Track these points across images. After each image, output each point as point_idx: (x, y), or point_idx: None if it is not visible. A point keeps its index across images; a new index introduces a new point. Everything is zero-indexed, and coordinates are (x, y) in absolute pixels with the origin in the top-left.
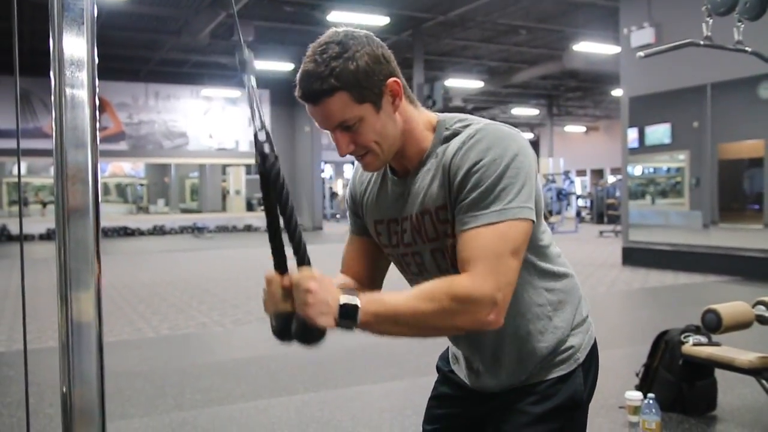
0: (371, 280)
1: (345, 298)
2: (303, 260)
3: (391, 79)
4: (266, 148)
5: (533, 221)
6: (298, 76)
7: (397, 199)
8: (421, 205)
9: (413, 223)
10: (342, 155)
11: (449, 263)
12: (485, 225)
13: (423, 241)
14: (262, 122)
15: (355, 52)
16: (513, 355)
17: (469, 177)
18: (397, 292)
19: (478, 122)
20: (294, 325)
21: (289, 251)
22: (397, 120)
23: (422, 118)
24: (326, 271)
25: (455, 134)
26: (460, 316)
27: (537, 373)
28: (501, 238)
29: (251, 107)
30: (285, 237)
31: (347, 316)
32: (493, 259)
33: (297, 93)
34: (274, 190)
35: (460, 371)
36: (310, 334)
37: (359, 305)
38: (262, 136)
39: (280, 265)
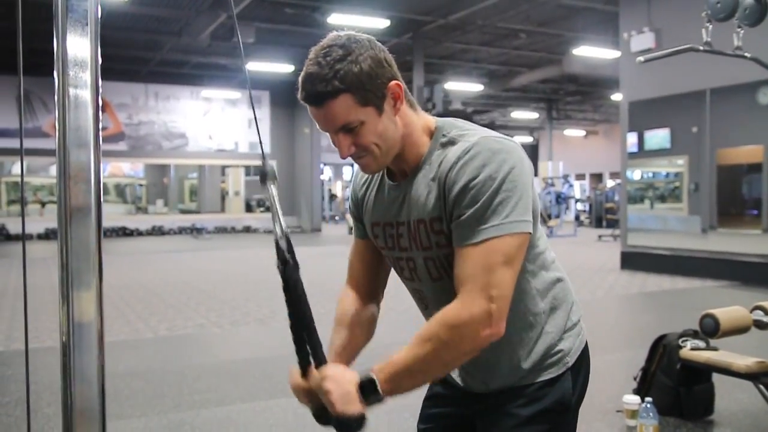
0: (373, 290)
1: (360, 378)
2: (320, 361)
3: (393, 82)
4: (287, 255)
5: (530, 232)
6: (300, 78)
7: (393, 202)
8: (417, 213)
9: (410, 230)
10: (343, 158)
11: (440, 272)
12: (479, 242)
13: (417, 248)
14: (283, 231)
15: (359, 55)
16: (506, 362)
17: (465, 193)
18: (403, 348)
19: (473, 133)
20: (332, 420)
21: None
22: (398, 123)
23: (421, 122)
24: (327, 272)
25: (452, 142)
26: (461, 343)
27: (526, 375)
28: (493, 252)
29: (273, 215)
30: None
31: (369, 393)
32: (481, 276)
33: (300, 95)
34: (293, 296)
35: (453, 372)
36: (348, 425)
37: (375, 377)
38: (283, 244)
39: (302, 364)
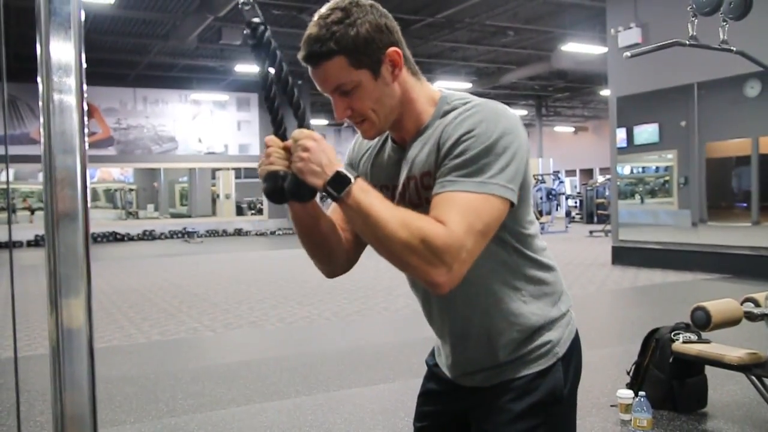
0: (353, 247)
1: (343, 170)
2: (302, 123)
3: (392, 49)
4: (254, 18)
5: (512, 203)
6: (303, 39)
7: (392, 165)
8: (410, 171)
9: (402, 188)
10: (339, 119)
11: None
12: (461, 191)
13: (405, 207)
14: None
15: (357, 19)
16: (482, 332)
17: (457, 145)
18: (390, 204)
19: (479, 99)
20: (286, 181)
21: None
22: (396, 90)
23: (424, 91)
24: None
25: (454, 109)
26: (415, 257)
27: (515, 368)
28: (474, 210)
29: None
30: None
31: (335, 186)
32: (465, 228)
33: (300, 55)
34: (267, 57)
35: (441, 361)
36: (300, 190)
37: (352, 184)
38: (247, 6)
39: (279, 134)
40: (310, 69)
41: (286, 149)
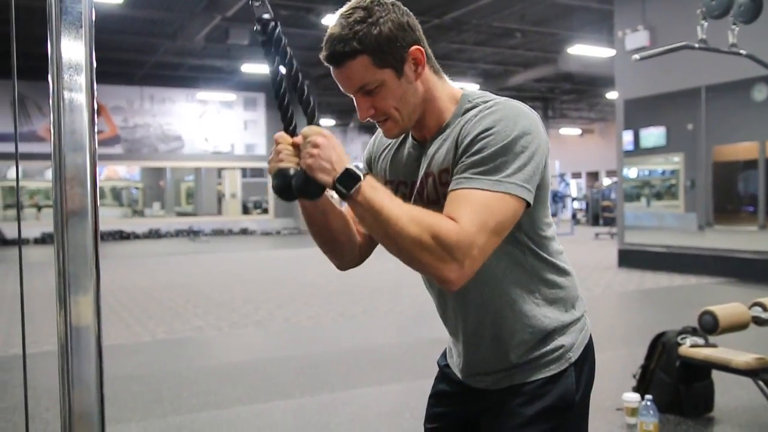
0: (367, 241)
1: (353, 167)
2: (312, 119)
3: (414, 47)
4: (264, 15)
5: (528, 204)
6: (324, 38)
7: (411, 162)
8: (428, 167)
9: (420, 185)
10: (362, 119)
11: None
12: (476, 189)
13: (424, 204)
14: None
15: (379, 18)
16: (495, 331)
17: (475, 142)
18: (399, 201)
19: (500, 98)
20: (295, 178)
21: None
22: (419, 88)
23: (446, 90)
24: (323, 273)
25: (475, 107)
26: (426, 254)
27: (527, 372)
28: (488, 208)
29: None
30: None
31: (345, 184)
32: (478, 225)
33: (322, 55)
34: (278, 54)
35: (453, 362)
36: (309, 187)
37: (362, 181)
38: (258, 3)
39: (289, 130)
40: (332, 69)
41: (296, 146)
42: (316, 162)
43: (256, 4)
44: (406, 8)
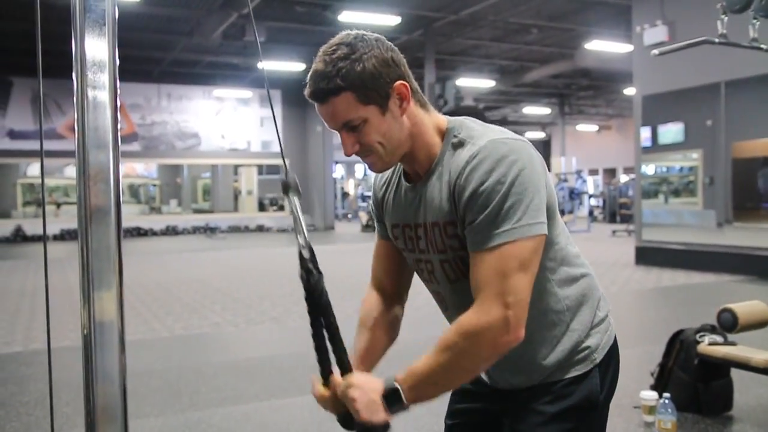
0: (396, 291)
1: (385, 387)
2: (345, 369)
3: (399, 82)
4: (311, 265)
5: (545, 233)
6: (308, 75)
7: (410, 204)
8: (432, 216)
9: (426, 232)
10: (347, 155)
11: (457, 274)
12: (492, 247)
13: (433, 251)
14: (306, 241)
15: (363, 54)
16: (528, 360)
17: (474, 199)
18: (423, 356)
19: (482, 135)
20: (357, 427)
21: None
22: (404, 123)
23: (432, 122)
24: (341, 270)
25: (461, 144)
26: (479, 349)
27: (552, 373)
28: (507, 258)
29: (295, 225)
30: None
31: (394, 402)
32: (497, 282)
33: (306, 92)
34: (318, 306)
35: None
36: (377, 430)
37: (399, 387)
38: (306, 254)
39: (324, 373)
40: (316, 105)
41: (332, 398)
42: (366, 413)
43: (306, 255)
44: (390, 43)
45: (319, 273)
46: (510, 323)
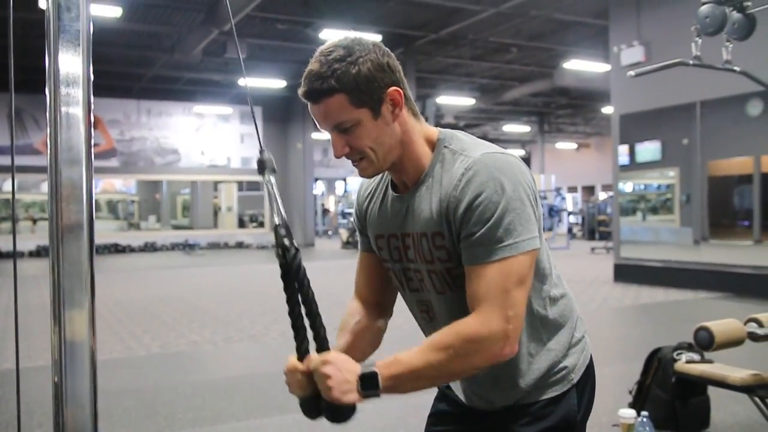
0: (380, 304)
1: (362, 370)
2: (323, 347)
3: (393, 88)
4: (286, 241)
5: (539, 247)
6: (303, 75)
7: (396, 214)
8: (420, 227)
9: (414, 242)
10: (337, 157)
11: (443, 286)
12: (494, 261)
13: (421, 261)
14: (282, 217)
15: (359, 58)
16: (507, 377)
17: (471, 212)
18: (411, 349)
19: (474, 148)
20: (326, 411)
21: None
22: (396, 129)
23: (423, 131)
24: (321, 286)
25: (453, 156)
26: (475, 357)
27: (530, 393)
28: (508, 273)
29: (271, 202)
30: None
31: (369, 386)
32: (499, 296)
33: (300, 91)
34: (296, 281)
35: (456, 388)
36: (341, 413)
37: (377, 372)
38: (282, 231)
39: (301, 350)
40: (309, 105)
41: (306, 373)
42: (337, 391)
43: (282, 233)
44: (387, 49)
45: (297, 249)
46: (509, 337)
